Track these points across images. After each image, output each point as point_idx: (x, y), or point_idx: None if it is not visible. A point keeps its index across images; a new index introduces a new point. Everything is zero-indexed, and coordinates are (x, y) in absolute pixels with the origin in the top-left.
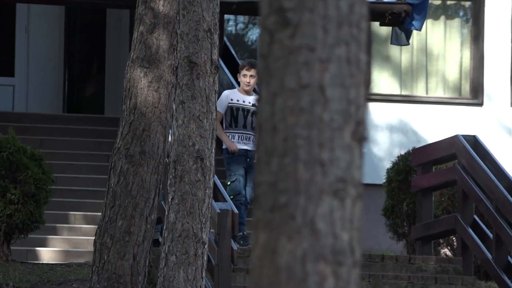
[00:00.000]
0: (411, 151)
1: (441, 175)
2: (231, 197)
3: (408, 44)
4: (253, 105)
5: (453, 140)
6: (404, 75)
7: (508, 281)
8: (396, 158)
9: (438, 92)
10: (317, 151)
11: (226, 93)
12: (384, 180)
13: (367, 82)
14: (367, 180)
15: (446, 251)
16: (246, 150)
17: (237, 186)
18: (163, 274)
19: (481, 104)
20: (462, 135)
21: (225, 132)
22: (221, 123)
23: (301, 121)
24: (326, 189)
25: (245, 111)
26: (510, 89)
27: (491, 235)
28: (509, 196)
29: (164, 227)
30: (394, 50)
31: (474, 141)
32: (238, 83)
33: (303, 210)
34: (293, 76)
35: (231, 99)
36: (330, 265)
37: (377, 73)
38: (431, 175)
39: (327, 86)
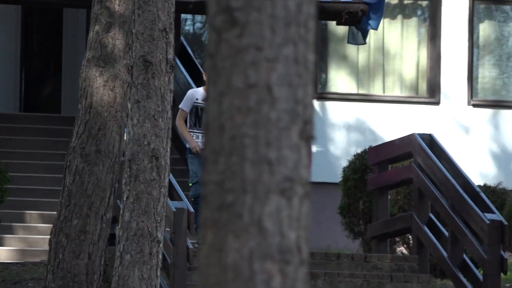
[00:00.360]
0: (367, 150)
1: (397, 174)
2: (192, 199)
3: (365, 43)
4: None
5: (409, 139)
6: (361, 74)
7: (463, 279)
8: (353, 157)
9: (395, 91)
10: (264, 150)
11: (191, 92)
12: (341, 179)
13: (314, 81)
14: (324, 178)
15: (402, 249)
16: None
17: (198, 189)
18: (118, 273)
19: (438, 103)
20: (418, 134)
21: (189, 132)
22: (185, 122)
23: (249, 120)
24: (273, 188)
25: None
26: (467, 88)
27: (446, 233)
28: (464, 194)
29: (119, 226)
30: (351, 49)
31: (430, 139)
32: (195, 82)
33: (250, 209)
34: (241, 76)
35: (196, 99)
36: (277, 263)
37: (334, 72)
38: (387, 173)
39: (274, 86)
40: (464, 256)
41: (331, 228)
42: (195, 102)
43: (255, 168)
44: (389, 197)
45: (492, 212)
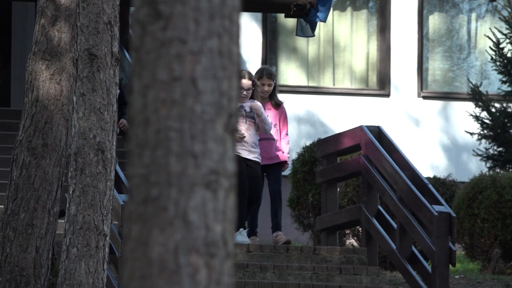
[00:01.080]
0: (316, 142)
1: (346, 166)
2: None
3: (313, 35)
4: None
5: (357, 131)
6: (311, 66)
7: (412, 271)
8: (302, 149)
9: (345, 83)
10: (189, 143)
11: None
12: (290, 171)
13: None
14: None
15: (352, 241)
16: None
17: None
18: (65, 267)
19: (388, 95)
20: (366, 126)
21: None
22: None
23: (173, 113)
24: (199, 181)
25: None
26: (417, 80)
27: (395, 226)
28: (412, 187)
29: (66, 220)
30: (301, 41)
31: (378, 131)
32: None
33: (175, 202)
34: (165, 69)
35: None
36: (202, 257)
37: (284, 65)
38: (336, 166)
39: (199, 79)
40: (413, 248)
41: (281, 221)
42: None
43: (180, 161)
44: (338, 189)
45: (440, 204)
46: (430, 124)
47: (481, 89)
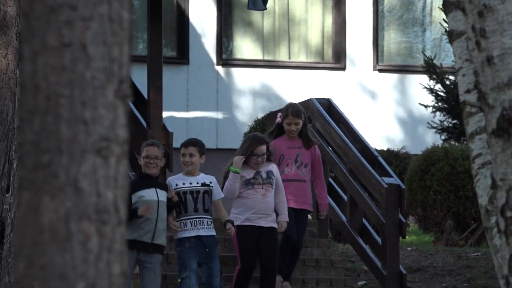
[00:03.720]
0: (267, 115)
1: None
2: None
3: (265, 9)
4: (202, 184)
5: (307, 104)
6: (266, 40)
7: (363, 243)
8: (253, 122)
9: (300, 57)
10: (80, 109)
11: (169, 180)
12: None
13: (130, 40)
14: (230, 145)
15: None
16: (199, 237)
17: (187, 285)
18: (9, 240)
19: (343, 69)
20: (316, 99)
21: (177, 221)
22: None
23: (63, 79)
24: (89, 148)
25: (194, 193)
26: (372, 53)
27: (345, 198)
28: (362, 159)
29: (10, 194)
30: (256, 15)
31: (328, 104)
32: None
33: (66, 169)
34: (55, 35)
35: (176, 185)
36: (94, 224)
37: (240, 39)
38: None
39: (89, 45)
40: (364, 220)
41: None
42: (175, 189)
43: (71, 127)
44: None
45: (390, 176)
46: (385, 97)
47: (435, 61)
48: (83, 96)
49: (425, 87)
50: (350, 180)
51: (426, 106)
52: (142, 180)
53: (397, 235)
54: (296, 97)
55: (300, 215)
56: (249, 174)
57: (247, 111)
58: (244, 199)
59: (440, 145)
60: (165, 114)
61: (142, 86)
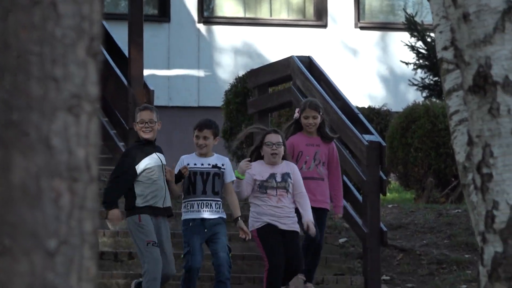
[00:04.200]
0: (248, 73)
1: (277, 97)
2: (184, 270)
3: None
4: (213, 166)
5: (288, 61)
6: None
7: (344, 201)
8: (234, 80)
9: (282, 14)
10: (50, 67)
11: (182, 158)
12: (223, 103)
13: None
14: (212, 103)
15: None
16: (203, 220)
17: (188, 261)
18: None
19: (325, 26)
20: (297, 56)
21: (184, 202)
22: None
23: (34, 37)
24: (60, 105)
25: (204, 174)
26: (354, 11)
27: None
28: (343, 116)
29: None
30: None
31: (309, 61)
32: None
33: (37, 127)
34: None
35: (188, 164)
36: (65, 181)
37: None
38: (267, 96)
39: (59, 2)
40: (344, 178)
41: (218, 152)
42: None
43: (41, 85)
44: (270, 119)
45: (371, 133)
46: (367, 55)
47: (416, 19)
48: (53, 54)
49: (407, 45)
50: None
51: (407, 64)
52: (141, 150)
53: (378, 192)
54: (277, 54)
55: (319, 214)
56: (262, 175)
57: (228, 68)
58: (258, 204)
59: (421, 102)
60: (146, 72)
61: (123, 44)
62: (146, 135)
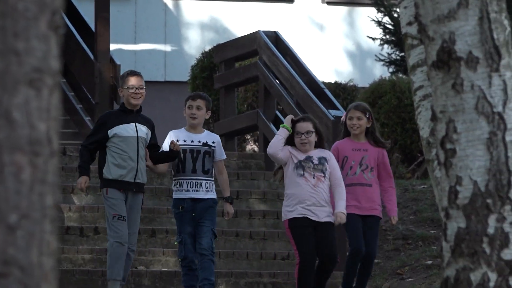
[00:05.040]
0: (214, 48)
1: (243, 71)
2: (180, 259)
3: None
4: (204, 144)
5: (255, 36)
6: None
7: None
8: (201, 55)
9: None
10: (12, 41)
11: (171, 133)
12: (189, 77)
13: None
14: (179, 77)
15: (254, 147)
16: (193, 200)
17: (182, 251)
18: None
19: (292, 1)
20: (263, 31)
21: (174, 180)
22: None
23: None
24: (22, 79)
25: (194, 152)
26: None
27: None
28: (309, 91)
29: None
30: None
31: (275, 36)
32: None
33: None
34: None
35: (177, 140)
36: (26, 155)
37: None
38: (234, 71)
39: None
40: None
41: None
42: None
43: (3, 59)
44: (236, 94)
45: (336, 109)
46: (334, 30)
47: None
48: (15, 27)
49: (373, 20)
50: (297, 112)
51: (374, 39)
52: (119, 116)
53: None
54: (244, 30)
55: (368, 221)
56: (301, 155)
57: (195, 43)
58: (294, 187)
59: (387, 78)
60: (112, 46)
61: (90, 19)
62: (136, 101)
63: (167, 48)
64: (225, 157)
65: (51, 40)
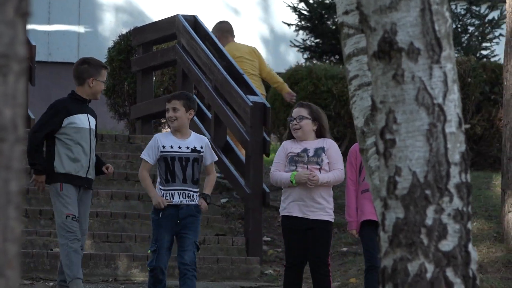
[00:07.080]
0: (132, 31)
1: (161, 55)
2: (148, 269)
3: None
4: (192, 150)
5: (173, 20)
6: None
7: (227, 161)
8: (118, 38)
9: None
10: None
11: (157, 136)
12: (106, 60)
13: None
14: None
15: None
16: (177, 206)
17: (154, 261)
18: None
19: None
20: (182, 15)
21: (161, 190)
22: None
23: None
24: None
25: (183, 160)
26: None
27: (210, 115)
28: (228, 77)
29: None
30: None
31: (194, 21)
32: None
33: None
34: None
35: (163, 146)
36: None
37: None
38: (151, 55)
39: None
40: (228, 138)
41: (98, 109)
42: (161, 152)
43: None
44: (153, 78)
45: (255, 94)
46: (249, 15)
47: None
48: None
49: (289, 6)
50: (215, 97)
51: (289, 25)
52: (75, 103)
53: (261, 153)
54: (161, 13)
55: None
56: (296, 148)
57: (109, 26)
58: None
59: (303, 64)
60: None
61: None
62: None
63: (81, 29)
64: (216, 159)
65: (18, 26)
